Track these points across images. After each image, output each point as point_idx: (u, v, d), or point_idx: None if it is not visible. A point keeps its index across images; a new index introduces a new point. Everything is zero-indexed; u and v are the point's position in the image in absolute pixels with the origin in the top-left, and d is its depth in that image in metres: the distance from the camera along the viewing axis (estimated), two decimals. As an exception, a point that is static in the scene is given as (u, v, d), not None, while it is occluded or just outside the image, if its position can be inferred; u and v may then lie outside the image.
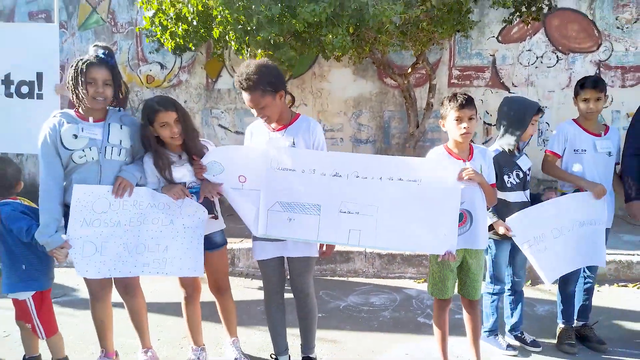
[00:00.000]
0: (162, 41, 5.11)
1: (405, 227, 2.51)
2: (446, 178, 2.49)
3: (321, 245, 2.67)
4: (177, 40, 4.92)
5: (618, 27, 6.08)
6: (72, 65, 2.52)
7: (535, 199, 3.06)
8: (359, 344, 3.28)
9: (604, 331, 3.32)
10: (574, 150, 3.11)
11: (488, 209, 2.76)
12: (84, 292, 3.57)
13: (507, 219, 2.84)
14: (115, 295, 2.80)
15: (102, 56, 2.54)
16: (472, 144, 2.71)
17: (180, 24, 4.76)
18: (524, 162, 3.00)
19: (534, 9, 5.07)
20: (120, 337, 2.98)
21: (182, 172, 2.64)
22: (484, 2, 5.37)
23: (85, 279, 2.66)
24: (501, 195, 2.91)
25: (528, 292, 3.91)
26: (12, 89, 4.49)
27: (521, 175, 2.99)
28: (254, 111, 2.55)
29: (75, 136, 2.50)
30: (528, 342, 3.18)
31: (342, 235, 2.53)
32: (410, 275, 4.52)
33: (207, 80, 6.78)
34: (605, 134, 3.13)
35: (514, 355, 3.09)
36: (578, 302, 3.27)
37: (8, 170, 2.70)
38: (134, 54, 6.86)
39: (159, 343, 3.21)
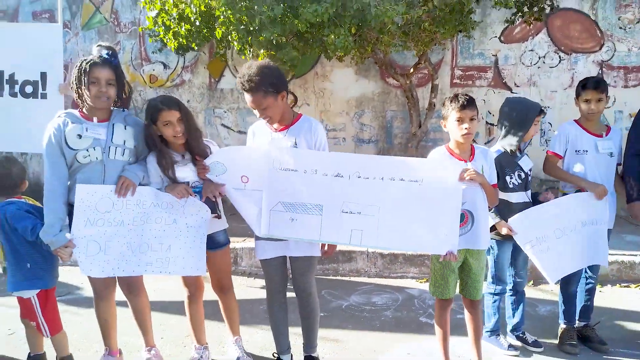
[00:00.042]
0: (165, 41, 5.13)
1: (406, 227, 2.53)
2: (447, 178, 2.50)
3: (323, 245, 2.68)
4: (180, 40, 4.93)
5: (621, 27, 6.07)
6: (76, 66, 2.54)
7: (535, 199, 3.07)
8: (361, 343, 3.29)
9: (605, 332, 3.33)
10: (576, 150, 3.12)
11: (490, 210, 2.77)
12: (88, 291, 3.59)
13: (509, 220, 2.86)
14: (119, 294, 2.82)
15: (106, 56, 2.56)
16: (473, 144, 2.72)
17: (183, 24, 4.77)
18: (525, 163, 3.01)
19: (535, 9, 5.06)
20: (123, 335, 2.99)
21: (185, 172, 2.66)
22: (486, 3, 5.36)
23: (89, 277, 2.68)
24: (503, 196, 2.92)
25: (530, 292, 3.92)
26: (17, 88, 4.52)
27: (523, 175, 2.99)
28: (256, 112, 2.56)
29: (80, 136, 2.52)
30: (529, 342, 3.19)
31: (344, 235, 2.54)
32: (412, 275, 4.53)
33: (209, 80, 6.80)
34: (606, 135, 3.13)
35: (516, 356, 3.10)
36: (580, 303, 3.28)
37: (13, 169, 2.72)
38: (137, 53, 6.88)
39: (162, 341, 3.23)
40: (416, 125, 5.67)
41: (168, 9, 4.80)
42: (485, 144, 6.25)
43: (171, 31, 4.92)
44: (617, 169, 3.19)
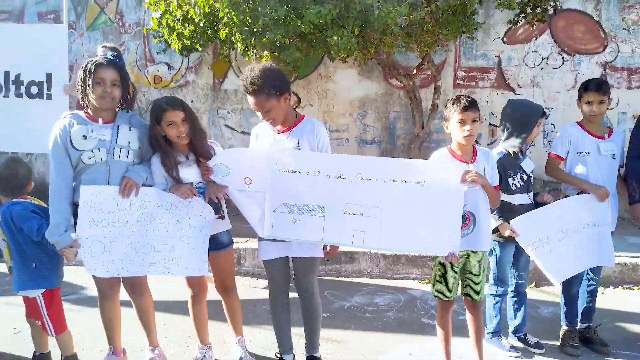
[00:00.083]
0: (169, 42, 5.16)
1: (408, 228, 2.54)
2: (449, 180, 2.51)
3: (325, 246, 2.70)
4: (184, 41, 4.96)
5: (624, 29, 6.06)
6: (81, 67, 2.57)
7: (534, 201, 3.07)
8: (363, 343, 3.30)
9: (607, 333, 3.33)
10: (578, 152, 3.12)
11: (492, 211, 2.78)
12: (92, 290, 3.61)
13: (511, 222, 2.86)
14: (123, 294, 2.84)
15: (111, 58, 2.59)
16: (475, 146, 2.73)
17: (187, 25, 4.80)
18: (527, 165, 3.02)
19: (539, 10, 5.06)
20: (127, 335, 3.01)
21: (189, 173, 2.67)
22: (489, 4, 5.37)
23: (94, 277, 2.70)
24: (506, 198, 2.93)
25: (532, 293, 3.92)
26: (22, 89, 4.55)
27: (525, 177, 3.00)
28: (259, 114, 2.58)
29: (85, 137, 2.54)
30: (531, 343, 3.19)
31: (347, 236, 2.56)
32: (414, 276, 4.54)
33: (213, 80, 6.83)
34: (609, 137, 3.13)
35: (517, 357, 3.10)
36: (581, 305, 3.27)
37: (19, 170, 2.74)
38: (141, 54, 6.92)
39: (166, 341, 3.25)
40: (419, 126, 5.68)
41: (172, 10, 4.83)
42: (488, 145, 6.26)
43: (175, 32, 4.95)
44: (619, 170, 3.19)
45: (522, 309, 3.22)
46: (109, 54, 2.58)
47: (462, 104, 2.58)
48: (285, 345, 2.90)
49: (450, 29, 4.61)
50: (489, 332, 3.21)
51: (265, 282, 3.53)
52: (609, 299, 4.04)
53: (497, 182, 2.76)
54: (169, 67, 6.88)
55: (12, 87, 4.55)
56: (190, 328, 3.03)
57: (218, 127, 6.86)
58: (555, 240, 2.92)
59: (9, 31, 4.86)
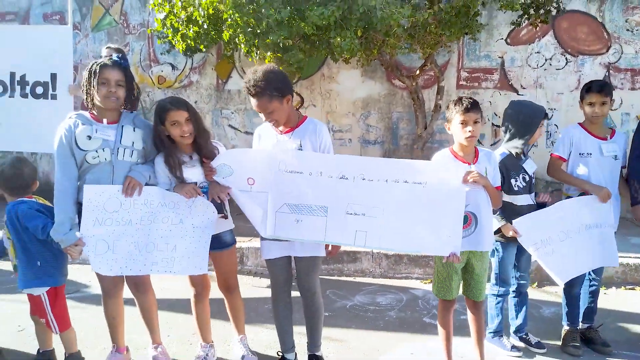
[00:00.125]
0: (173, 43, 5.18)
1: (410, 228, 2.56)
2: (451, 181, 2.53)
3: (327, 245, 2.72)
4: (188, 42, 4.98)
5: (628, 30, 6.05)
6: (86, 68, 2.60)
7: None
8: (365, 343, 3.32)
9: (609, 334, 3.33)
10: (580, 153, 3.13)
11: (494, 212, 2.80)
12: (96, 289, 3.64)
13: (514, 222, 2.87)
14: (127, 292, 2.87)
15: (116, 58, 2.63)
16: (477, 146, 2.75)
17: (191, 26, 4.82)
18: (529, 166, 3.03)
19: (542, 11, 5.06)
20: (131, 333, 3.03)
21: (193, 173, 2.69)
22: (492, 5, 5.37)
23: (98, 276, 2.73)
24: (509, 198, 2.94)
25: (534, 293, 3.92)
26: (27, 89, 4.60)
27: (527, 178, 3.01)
28: (262, 115, 2.60)
29: (89, 137, 2.57)
30: (533, 343, 3.20)
31: (349, 236, 2.57)
32: (417, 275, 4.55)
33: (217, 81, 6.86)
34: (611, 138, 3.14)
35: (518, 357, 3.11)
36: (583, 305, 3.28)
37: (25, 170, 2.76)
38: (145, 55, 6.96)
39: (169, 339, 3.27)
40: (422, 127, 5.69)
41: (176, 12, 4.86)
42: (491, 145, 6.25)
43: (179, 33, 4.97)
44: (621, 171, 3.20)
45: (524, 308, 3.23)
46: (114, 55, 2.61)
47: (464, 105, 2.60)
48: (287, 344, 2.91)
49: (453, 30, 4.62)
50: (491, 332, 3.22)
51: (267, 281, 3.54)
52: (611, 299, 4.05)
53: (498, 183, 2.77)
54: (173, 67, 6.91)
55: (18, 88, 4.59)
56: (193, 326, 3.05)
57: (221, 127, 6.89)
58: (557, 241, 2.93)
59: (15, 32, 4.91)
